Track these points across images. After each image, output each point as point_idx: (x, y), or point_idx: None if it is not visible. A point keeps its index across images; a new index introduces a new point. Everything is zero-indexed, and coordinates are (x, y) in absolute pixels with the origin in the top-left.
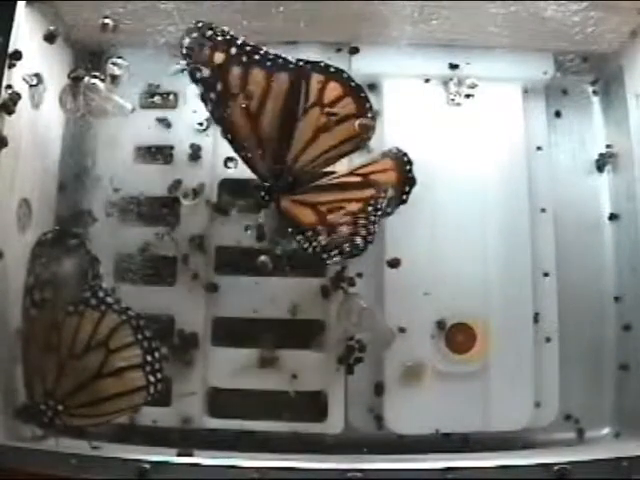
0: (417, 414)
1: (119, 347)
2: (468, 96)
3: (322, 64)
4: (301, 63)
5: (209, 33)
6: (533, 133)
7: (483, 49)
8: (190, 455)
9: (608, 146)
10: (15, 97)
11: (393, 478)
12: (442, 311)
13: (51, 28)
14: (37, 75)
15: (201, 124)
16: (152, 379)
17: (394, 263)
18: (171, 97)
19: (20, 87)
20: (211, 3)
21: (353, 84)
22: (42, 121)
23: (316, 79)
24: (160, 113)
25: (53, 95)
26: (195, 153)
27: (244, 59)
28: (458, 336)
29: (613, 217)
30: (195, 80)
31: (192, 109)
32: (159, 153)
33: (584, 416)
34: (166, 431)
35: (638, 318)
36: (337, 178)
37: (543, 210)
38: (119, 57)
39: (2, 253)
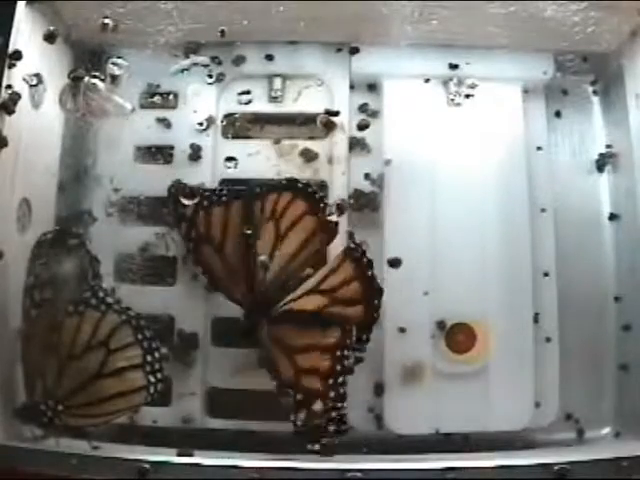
0: (417, 414)
1: (119, 347)
2: (468, 96)
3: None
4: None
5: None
6: (533, 133)
7: (483, 49)
8: (190, 455)
9: (608, 146)
10: (15, 97)
11: (393, 478)
12: (442, 311)
13: (51, 28)
14: (37, 75)
15: (201, 124)
16: (152, 379)
17: (394, 263)
18: (171, 97)
19: (20, 87)
20: (211, 3)
21: (300, 187)
22: (42, 121)
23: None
24: (160, 113)
25: (53, 95)
26: (195, 153)
27: (205, 203)
28: (458, 336)
29: (613, 217)
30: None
31: (192, 109)
32: (159, 153)
33: (584, 416)
34: (166, 431)
35: (638, 318)
36: (304, 301)
37: (543, 210)
38: (119, 57)
39: (2, 253)
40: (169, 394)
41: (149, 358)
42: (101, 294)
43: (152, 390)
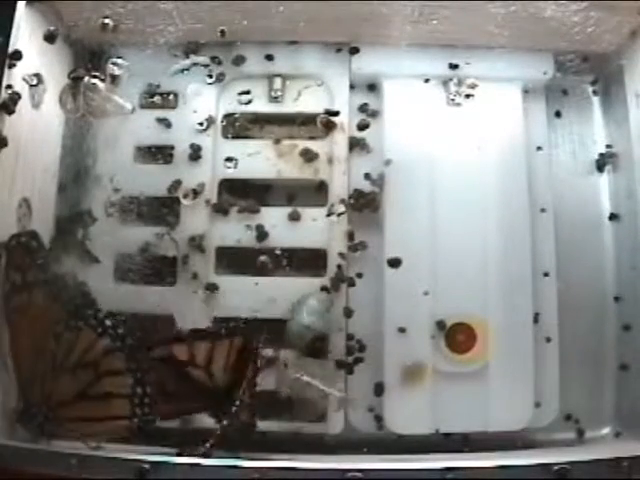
0: (417, 414)
1: (109, 372)
2: (468, 96)
3: None
4: None
5: None
6: (533, 133)
7: (483, 49)
8: (190, 455)
9: (608, 146)
10: (15, 97)
11: (393, 478)
12: (442, 311)
13: (51, 28)
14: (37, 75)
15: (201, 124)
16: (138, 411)
17: (394, 263)
18: (171, 97)
19: (20, 87)
20: (211, 3)
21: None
22: (42, 121)
23: None
24: (160, 113)
25: (53, 95)
26: (195, 153)
27: None
28: (458, 336)
29: (613, 217)
30: None
31: (192, 109)
32: (159, 153)
33: (584, 416)
34: (166, 431)
35: (638, 318)
36: None
37: (543, 210)
38: (119, 57)
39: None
40: None
41: (139, 390)
42: (101, 315)
43: (135, 423)
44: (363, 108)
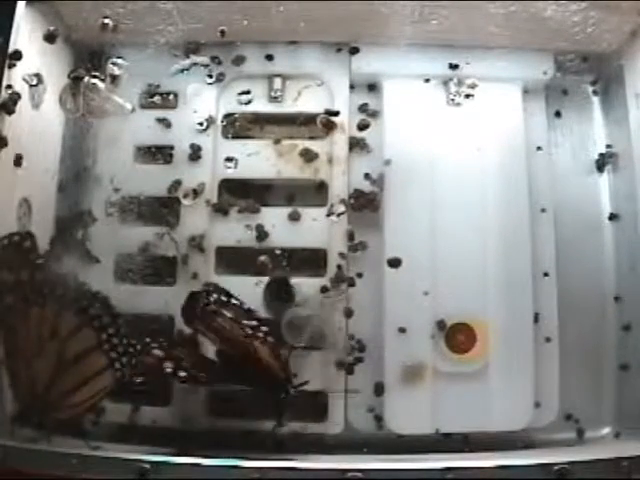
0: (417, 414)
1: (68, 334)
2: (468, 96)
3: None
4: None
5: None
6: (533, 133)
7: (483, 49)
8: (190, 455)
9: (608, 146)
10: (15, 97)
11: (393, 478)
12: (442, 311)
13: (51, 28)
14: (37, 75)
15: (201, 124)
16: (114, 355)
17: (394, 263)
18: (171, 97)
19: (20, 87)
20: (211, 3)
21: None
22: (42, 121)
23: None
24: (160, 113)
25: (53, 95)
26: (195, 153)
27: None
28: (458, 336)
29: (613, 217)
30: None
31: (192, 109)
32: (159, 153)
33: (584, 416)
34: (166, 431)
35: (638, 318)
36: None
37: (543, 210)
38: (119, 57)
39: None
40: (169, 393)
41: (104, 336)
42: (36, 286)
43: (118, 366)
44: (363, 108)
